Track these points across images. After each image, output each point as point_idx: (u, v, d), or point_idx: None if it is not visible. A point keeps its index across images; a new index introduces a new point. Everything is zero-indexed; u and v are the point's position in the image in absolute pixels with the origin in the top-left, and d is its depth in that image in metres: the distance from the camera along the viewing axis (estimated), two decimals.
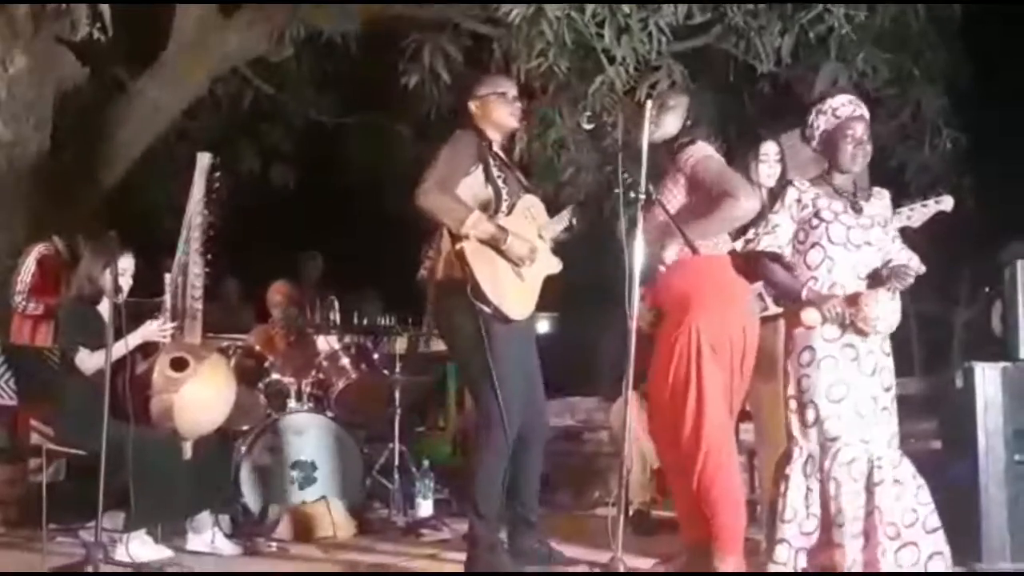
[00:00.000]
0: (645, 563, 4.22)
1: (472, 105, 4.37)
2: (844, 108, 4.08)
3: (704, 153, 4.00)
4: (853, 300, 3.93)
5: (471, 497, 4.25)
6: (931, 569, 3.89)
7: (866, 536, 3.91)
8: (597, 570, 3.73)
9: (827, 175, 4.12)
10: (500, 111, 4.36)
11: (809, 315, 3.93)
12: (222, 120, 8.66)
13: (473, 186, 4.23)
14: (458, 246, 4.12)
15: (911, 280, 3.97)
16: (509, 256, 4.18)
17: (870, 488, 3.91)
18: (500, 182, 4.27)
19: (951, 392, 4.50)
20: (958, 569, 4.18)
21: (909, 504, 3.93)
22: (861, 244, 4.03)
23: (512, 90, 4.44)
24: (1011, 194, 7.37)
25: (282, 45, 7.51)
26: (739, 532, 3.90)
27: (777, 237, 4.05)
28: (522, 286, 4.25)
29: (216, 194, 4.83)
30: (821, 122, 4.11)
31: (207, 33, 7.36)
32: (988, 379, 4.38)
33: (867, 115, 4.12)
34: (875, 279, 4.01)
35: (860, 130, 4.06)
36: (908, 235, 4.31)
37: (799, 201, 4.07)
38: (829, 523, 3.93)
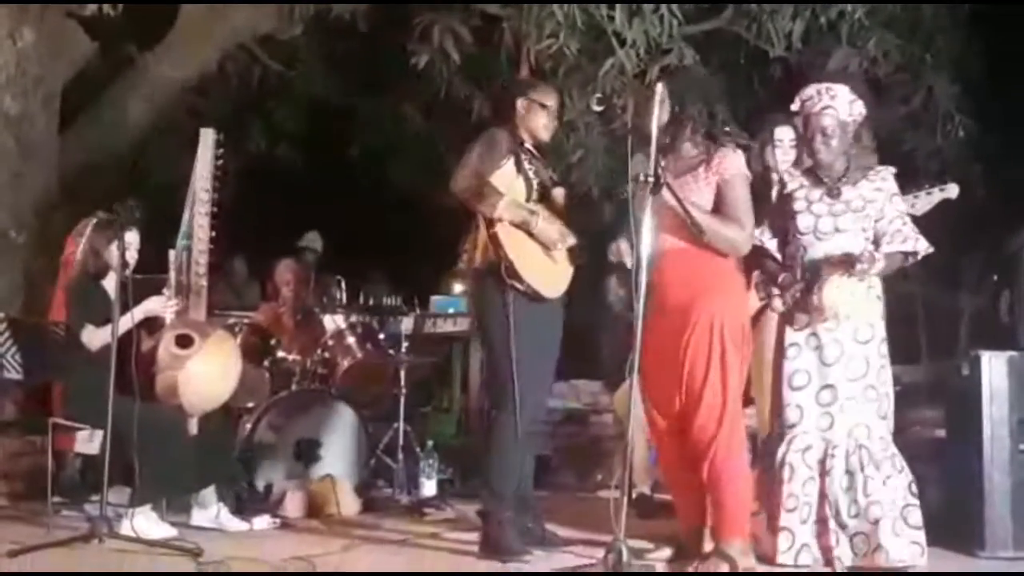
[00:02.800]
0: (647, 546, 4.22)
1: (520, 103, 4.50)
2: (810, 101, 4.15)
3: (738, 170, 3.98)
4: (810, 288, 3.99)
5: (486, 475, 4.31)
6: (877, 561, 3.91)
7: (822, 523, 4.01)
8: (600, 554, 3.72)
9: (814, 164, 4.20)
10: (537, 120, 4.51)
11: (776, 301, 4.11)
12: (230, 97, 8.63)
13: (505, 177, 4.36)
14: (492, 230, 4.27)
15: (870, 267, 3.94)
16: (540, 239, 4.31)
17: (823, 475, 4.02)
18: (531, 173, 4.41)
19: (957, 380, 4.50)
20: (961, 558, 4.20)
21: (855, 496, 3.99)
22: (830, 232, 4.08)
23: (555, 104, 4.60)
24: (1021, 182, 7.34)
25: (292, 23, 7.49)
26: (745, 515, 3.92)
27: (763, 230, 4.17)
28: (554, 267, 4.38)
29: (221, 170, 4.82)
30: (797, 112, 4.21)
31: (216, 9, 7.33)
32: (994, 368, 4.38)
33: (838, 106, 4.12)
34: (830, 265, 4.03)
35: (824, 120, 4.11)
36: (915, 221, 4.29)
37: (781, 191, 4.21)
38: (777, 507, 4.01)
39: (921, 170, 7.30)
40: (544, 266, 4.34)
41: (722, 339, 3.85)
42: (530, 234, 4.30)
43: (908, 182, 4.29)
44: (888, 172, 4.20)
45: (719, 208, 3.94)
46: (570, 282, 4.43)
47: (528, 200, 4.37)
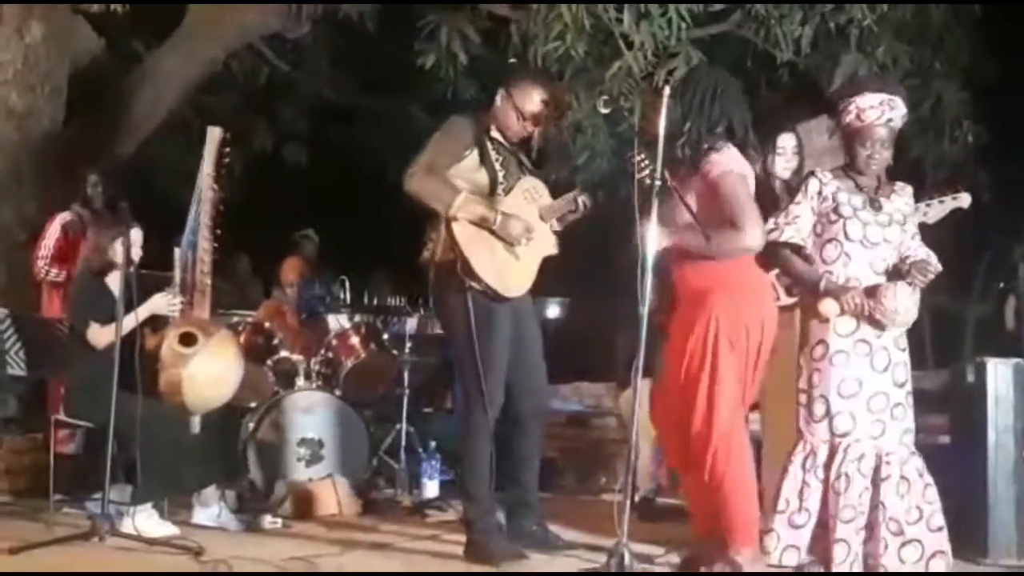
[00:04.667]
0: (650, 550, 4.21)
1: (500, 94, 4.35)
2: (871, 112, 4.02)
3: (727, 166, 3.87)
4: (872, 292, 3.92)
5: (461, 479, 4.26)
6: (932, 567, 3.89)
7: (869, 530, 3.92)
8: (603, 559, 3.71)
9: (848, 170, 4.10)
10: (509, 119, 4.33)
11: (827, 306, 3.93)
12: (237, 96, 8.64)
13: (469, 170, 4.24)
14: (448, 227, 4.15)
15: (932, 276, 3.96)
16: (502, 236, 4.18)
17: (876, 483, 3.93)
18: (497, 165, 4.28)
19: (962, 387, 4.48)
20: (964, 566, 4.17)
21: (914, 502, 3.94)
22: (879, 242, 4.02)
23: (536, 110, 4.34)
24: None
25: (299, 22, 7.49)
26: (753, 523, 3.87)
27: (799, 229, 4.04)
28: (517, 265, 4.25)
29: (226, 169, 4.81)
30: (846, 118, 4.06)
31: (224, 7, 7.33)
32: (1000, 375, 4.36)
33: (896, 117, 4.05)
34: (895, 273, 4.00)
35: (882, 132, 4.02)
36: (923, 228, 4.28)
37: (820, 193, 4.05)
38: (828, 518, 3.94)
39: (929, 177, 7.29)
40: (506, 264, 4.20)
41: (716, 343, 3.80)
42: (491, 231, 4.17)
43: (916, 189, 4.26)
44: (910, 189, 4.18)
45: (713, 210, 3.84)
46: (571, 282, 4.38)
47: (493, 193, 4.22)
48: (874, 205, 4.03)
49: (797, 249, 4.05)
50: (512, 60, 5.85)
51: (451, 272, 4.17)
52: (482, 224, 4.16)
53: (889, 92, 4.07)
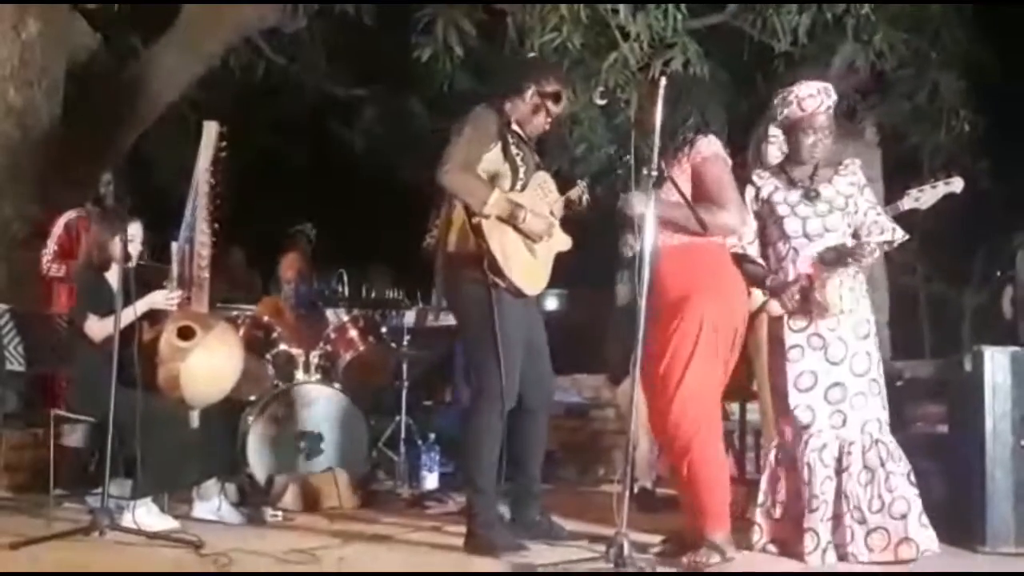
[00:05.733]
0: (648, 540, 4.22)
1: (529, 92, 4.32)
2: (810, 100, 4.09)
3: (711, 152, 3.97)
4: (809, 286, 3.96)
5: (467, 470, 4.28)
6: (901, 555, 3.96)
7: (836, 519, 4.01)
8: (601, 549, 3.73)
9: (786, 163, 4.17)
10: (538, 119, 4.36)
11: (772, 305, 4.08)
12: (234, 91, 8.62)
13: (490, 163, 4.23)
14: (475, 220, 4.13)
15: (867, 257, 3.98)
16: (526, 232, 4.21)
17: (839, 472, 4.01)
18: (518, 160, 4.28)
19: (960, 376, 4.49)
20: (962, 553, 4.19)
21: (876, 491, 4.00)
22: (820, 232, 4.09)
23: (560, 107, 4.40)
24: None
25: (296, 16, 7.48)
26: (723, 506, 3.96)
27: (743, 235, 4.14)
28: (535, 262, 4.28)
29: (223, 163, 4.81)
30: (786, 110, 4.13)
31: (221, 2, 7.32)
32: (997, 363, 4.37)
33: (833, 104, 4.13)
34: (827, 262, 4.03)
35: (822, 120, 4.09)
36: (920, 216, 4.30)
37: (757, 197, 4.18)
38: (799, 509, 4.02)
39: (925, 165, 7.30)
40: (526, 262, 4.23)
41: (698, 336, 3.87)
42: (516, 227, 4.19)
43: (912, 177, 4.28)
44: (855, 164, 4.22)
45: (698, 194, 3.93)
46: (569, 274, 4.39)
47: (513, 188, 4.24)
48: (809, 196, 4.10)
49: (744, 257, 4.15)
50: (531, 55, 5.82)
51: (467, 263, 4.18)
52: (509, 220, 4.17)
53: (821, 80, 4.21)
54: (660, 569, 3.85)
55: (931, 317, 9.05)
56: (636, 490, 5.16)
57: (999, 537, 4.27)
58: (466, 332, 4.36)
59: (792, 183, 4.14)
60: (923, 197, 4.45)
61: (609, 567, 3.61)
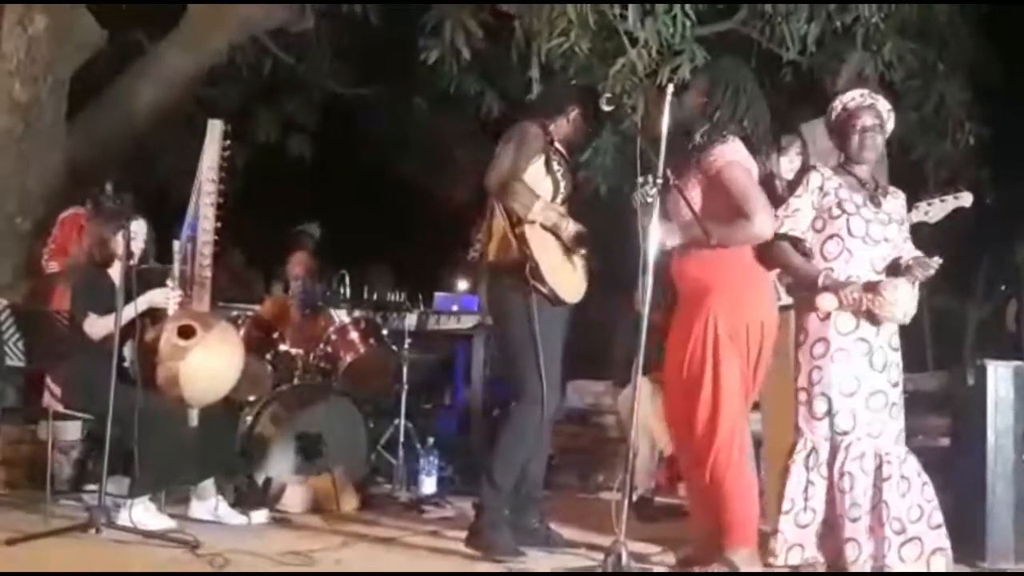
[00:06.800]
0: (647, 548, 4.21)
1: (574, 114, 4.51)
2: (853, 101, 4.11)
3: (731, 158, 3.86)
4: (872, 287, 3.90)
5: (489, 466, 4.31)
6: (933, 565, 3.89)
7: (871, 530, 3.92)
8: (599, 557, 3.71)
9: (847, 165, 4.10)
10: (576, 135, 4.59)
11: (825, 300, 3.90)
12: (240, 89, 8.62)
13: (534, 176, 4.36)
14: (519, 230, 4.27)
15: (932, 271, 3.97)
16: (567, 241, 4.33)
17: (877, 483, 3.92)
18: (559, 175, 4.42)
19: (962, 390, 4.48)
20: (962, 568, 4.17)
21: (915, 500, 3.94)
22: (880, 240, 4.02)
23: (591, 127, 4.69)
24: None
25: (303, 15, 7.47)
26: (752, 523, 3.87)
27: (798, 221, 4.02)
28: (574, 271, 4.41)
29: (227, 162, 4.80)
30: (832, 115, 4.15)
31: (227, 1, 7.31)
32: (1000, 378, 4.36)
33: (880, 104, 4.11)
34: (894, 269, 3.99)
35: (867, 119, 4.07)
36: (925, 229, 4.28)
37: (821, 188, 4.04)
38: (836, 517, 3.93)
39: (931, 177, 7.27)
40: (565, 271, 4.35)
41: (716, 342, 3.80)
42: (557, 237, 4.30)
43: (918, 188, 4.26)
44: (902, 195, 4.20)
45: (722, 204, 3.85)
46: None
47: (554, 201, 4.37)
48: (875, 202, 4.05)
49: (795, 242, 4.01)
50: (572, 83, 5.90)
51: (510, 272, 4.31)
52: (552, 229, 4.30)
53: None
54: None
55: (934, 330, 9.03)
56: (635, 498, 5.14)
57: (999, 552, 4.26)
58: (507, 339, 4.44)
59: (860, 183, 4.06)
60: (932, 211, 4.41)
61: None
